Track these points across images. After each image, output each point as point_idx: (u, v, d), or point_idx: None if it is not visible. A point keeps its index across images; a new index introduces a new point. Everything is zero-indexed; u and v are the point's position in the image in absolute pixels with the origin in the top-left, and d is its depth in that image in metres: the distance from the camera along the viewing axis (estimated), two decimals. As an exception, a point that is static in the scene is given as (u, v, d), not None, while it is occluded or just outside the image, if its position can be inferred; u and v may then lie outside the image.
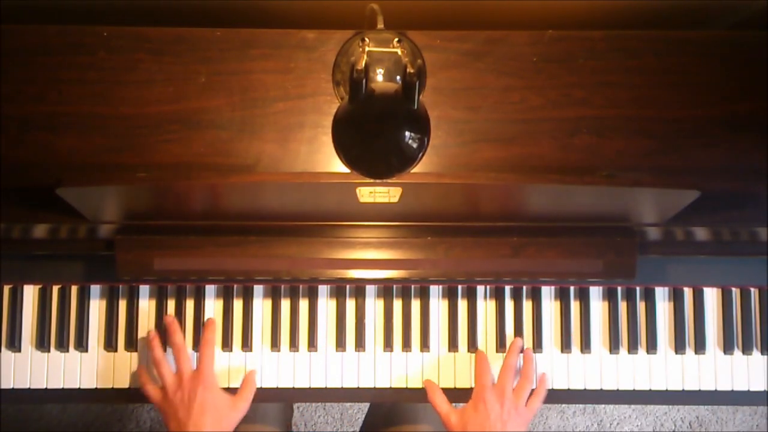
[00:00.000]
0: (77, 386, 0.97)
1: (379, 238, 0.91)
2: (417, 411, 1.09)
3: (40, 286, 0.98)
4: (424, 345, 0.98)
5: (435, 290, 0.99)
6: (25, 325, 0.98)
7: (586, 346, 0.99)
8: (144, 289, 0.99)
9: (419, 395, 0.97)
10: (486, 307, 0.99)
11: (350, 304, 0.99)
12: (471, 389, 0.95)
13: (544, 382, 0.96)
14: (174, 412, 0.89)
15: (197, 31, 0.84)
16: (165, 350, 0.95)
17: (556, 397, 0.99)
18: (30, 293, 0.98)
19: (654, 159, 0.84)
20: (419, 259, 0.91)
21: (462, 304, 0.99)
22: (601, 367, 0.99)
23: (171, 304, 0.98)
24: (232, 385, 0.97)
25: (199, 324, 0.97)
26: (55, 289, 0.98)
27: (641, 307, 1.00)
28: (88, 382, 0.97)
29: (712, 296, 1.00)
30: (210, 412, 0.88)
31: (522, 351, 0.97)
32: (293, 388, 0.97)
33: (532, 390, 0.95)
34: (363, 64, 0.66)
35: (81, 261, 0.98)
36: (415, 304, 0.99)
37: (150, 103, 0.84)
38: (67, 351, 0.98)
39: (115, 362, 0.98)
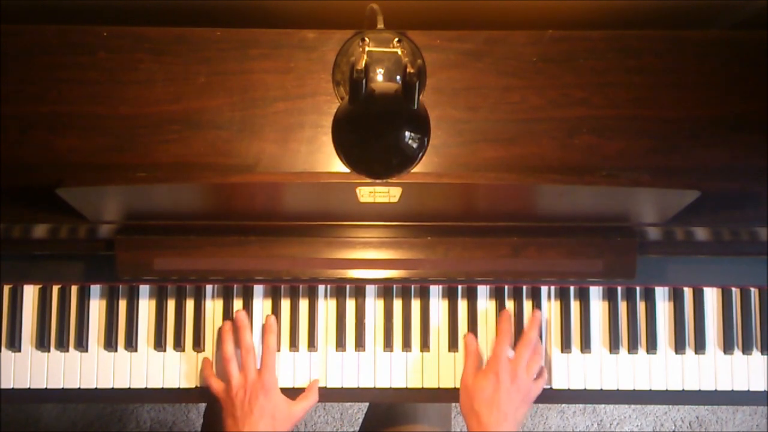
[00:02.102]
0: (77, 386, 0.97)
1: (379, 238, 0.91)
2: (416, 411, 1.09)
3: (40, 286, 0.98)
4: (424, 345, 0.98)
5: (435, 290, 0.99)
6: (25, 325, 0.98)
7: (586, 346, 0.99)
8: (144, 289, 0.99)
9: (419, 395, 0.97)
10: (486, 307, 0.99)
11: (350, 304, 0.99)
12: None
13: (544, 374, 0.97)
14: (233, 410, 0.91)
15: (197, 31, 0.84)
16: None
17: (556, 397, 0.99)
18: (30, 293, 0.98)
19: (654, 159, 0.84)
20: (419, 259, 0.91)
21: (462, 304, 0.99)
22: (601, 367, 0.99)
23: (171, 304, 0.98)
24: (232, 385, 0.97)
25: (200, 324, 0.97)
26: (55, 289, 0.98)
27: (641, 307, 1.00)
28: (88, 382, 0.97)
29: (712, 296, 1.00)
30: (267, 418, 0.91)
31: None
32: (293, 388, 0.97)
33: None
34: (363, 64, 0.66)
35: (81, 261, 0.98)
36: (415, 304, 0.99)
37: (150, 103, 0.84)
38: (67, 351, 0.98)
39: (115, 362, 0.98)
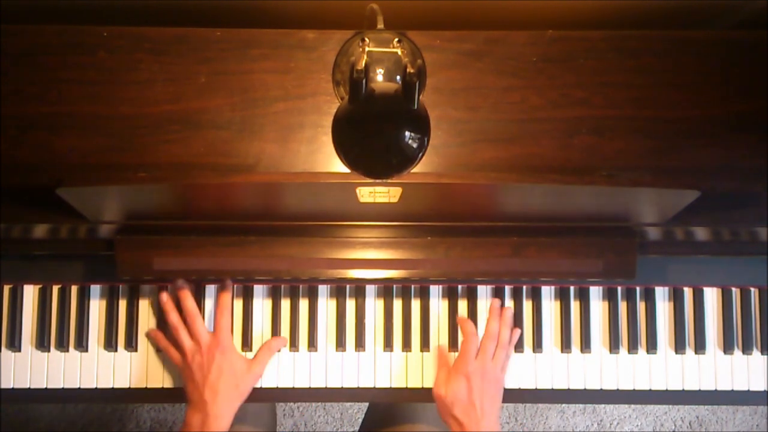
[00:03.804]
0: (77, 386, 0.97)
1: (379, 238, 0.91)
2: (416, 410, 1.09)
3: (40, 286, 0.98)
4: (424, 345, 0.98)
5: (435, 290, 0.99)
6: (25, 325, 0.98)
7: (586, 346, 0.99)
8: (144, 289, 0.99)
9: (419, 395, 0.97)
10: (486, 307, 0.99)
11: (350, 304, 0.99)
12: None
13: (513, 339, 0.97)
14: (191, 375, 0.91)
15: (197, 31, 0.84)
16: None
17: (556, 397, 0.99)
18: (30, 293, 0.98)
19: (654, 159, 0.84)
20: (419, 259, 0.91)
21: (462, 304, 0.99)
22: (601, 367, 0.99)
23: (171, 304, 0.98)
24: (232, 385, 0.97)
25: (199, 324, 0.97)
26: (55, 289, 0.98)
27: (641, 307, 1.00)
28: (88, 382, 0.97)
29: (712, 296, 1.00)
30: (226, 375, 0.90)
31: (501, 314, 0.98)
32: (293, 388, 0.97)
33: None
34: (363, 64, 0.66)
35: (81, 261, 0.98)
36: (415, 304, 0.99)
37: (150, 103, 0.84)
38: (67, 351, 0.98)
39: (115, 362, 0.98)
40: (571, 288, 1.00)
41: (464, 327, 0.96)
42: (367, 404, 1.29)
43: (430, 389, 0.96)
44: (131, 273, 0.90)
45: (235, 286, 0.99)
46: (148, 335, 0.98)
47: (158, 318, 0.98)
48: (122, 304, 0.98)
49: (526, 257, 0.90)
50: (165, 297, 0.96)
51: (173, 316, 0.94)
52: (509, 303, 1.00)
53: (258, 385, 0.96)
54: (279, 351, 0.98)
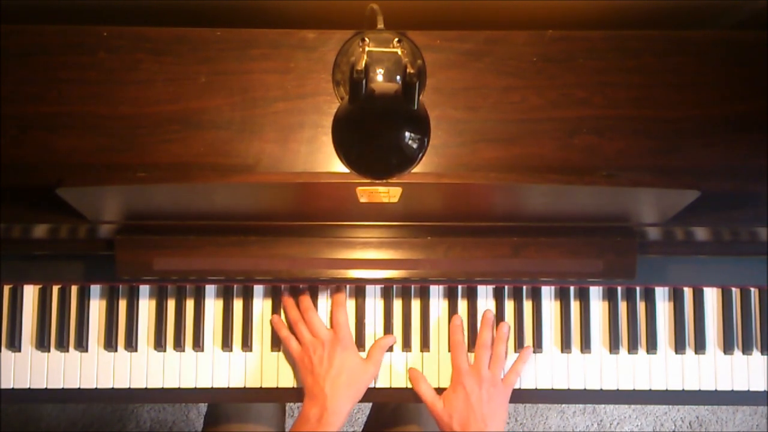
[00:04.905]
0: (77, 386, 0.97)
1: (379, 238, 0.91)
2: (421, 411, 1.09)
3: (40, 286, 0.98)
4: (424, 345, 0.98)
5: (435, 290, 0.99)
6: (25, 325, 0.98)
7: (586, 346, 0.99)
8: (144, 289, 0.99)
9: (419, 397, 0.97)
10: (486, 307, 0.99)
11: (350, 304, 0.99)
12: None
13: (524, 356, 0.97)
14: (312, 368, 0.91)
15: (197, 31, 0.84)
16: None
17: (556, 397, 0.99)
18: (30, 293, 0.98)
19: (654, 159, 0.84)
20: (419, 259, 0.91)
21: (462, 304, 0.99)
22: (601, 367, 0.99)
23: (171, 304, 0.98)
24: (232, 385, 0.97)
25: (200, 324, 0.97)
26: (55, 289, 0.98)
27: (641, 307, 1.00)
28: (88, 382, 0.97)
29: (712, 296, 1.00)
30: (346, 372, 0.91)
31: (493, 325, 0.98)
32: (293, 388, 0.97)
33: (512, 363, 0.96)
34: (363, 64, 0.66)
35: (81, 261, 0.98)
36: (415, 304, 0.99)
37: (150, 103, 0.84)
38: (67, 351, 0.98)
39: (115, 362, 0.98)
40: (571, 288, 1.00)
41: (451, 337, 0.96)
42: (367, 404, 1.29)
43: (430, 389, 0.96)
44: (131, 273, 0.90)
45: (235, 286, 0.98)
46: (271, 322, 0.98)
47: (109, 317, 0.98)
48: (122, 304, 0.98)
49: (526, 257, 0.90)
50: (286, 296, 0.97)
51: (294, 312, 0.96)
52: (509, 303, 1.00)
53: (259, 385, 0.97)
54: (392, 350, 0.98)
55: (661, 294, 1.00)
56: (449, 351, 0.97)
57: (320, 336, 0.93)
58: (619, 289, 1.00)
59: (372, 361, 0.95)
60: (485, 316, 0.97)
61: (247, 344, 0.98)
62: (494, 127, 0.84)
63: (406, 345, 0.98)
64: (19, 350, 0.98)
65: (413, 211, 0.86)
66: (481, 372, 0.93)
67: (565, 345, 0.98)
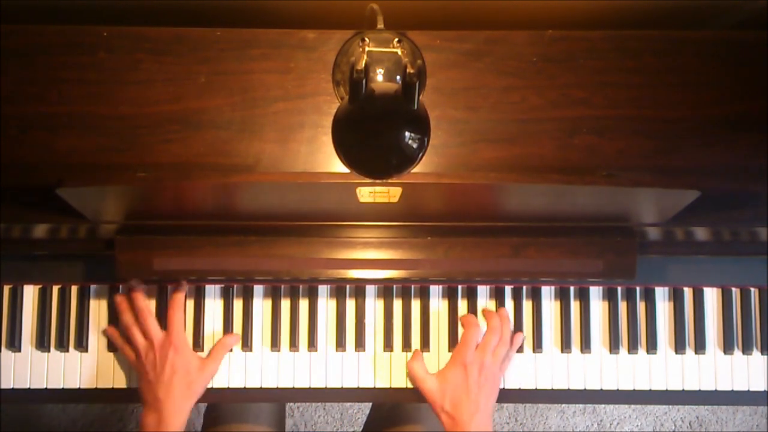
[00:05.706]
0: (77, 386, 0.97)
1: (379, 238, 0.91)
2: (420, 411, 1.09)
3: (40, 286, 0.98)
4: (424, 345, 0.98)
5: (435, 290, 0.99)
6: (25, 325, 0.98)
7: (586, 346, 0.99)
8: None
9: (419, 395, 0.97)
10: (486, 307, 0.99)
11: (350, 304, 0.99)
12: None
13: (516, 341, 0.97)
14: (145, 374, 0.90)
15: (197, 31, 0.84)
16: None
17: (556, 397, 0.99)
18: (30, 293, 0.98)
19: (654, 159, 0.84)
20: (419, 259, 0.91)
21: (462, 304, 0.99)
22: (601, 367, 0.99)
23: (171, 304, 0.98)
24: (232, 385, 0.97)
25: (200, 324, 0.97)
26: (55, 289, 0.98)
27: (641, 307, 1.00)
28: (88, 382, 0.97)
29: (712, 296, 1.00)
30: (179, 374, 0.90)
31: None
32: (293, 388, 0.97)
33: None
34: (363, 64, 0.66)
35: (81, 261, 0.98)
36: (415, 304, 0.99)
37: (150, 103, 0.84)
38: (67, 351, 0.98)
39: (115, 362, 0.98)
40: (571, 288, 1.00)
41: (466, 319, 0.96)
42: (367, 404, 1.29)
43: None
44: (131, 273, 0.90)
45: (235, 286, 0.98)
46: (104, 333, 0.97)
47: (110, 317, 0.98)
48: (122, 304, 0.98)
49: (526, 257, 0.90)
50: (119, 298, 0.95)
51: (127, 316, 0.93)
52: (509, 303, 1.00)
53: (258, 385, 0.97)
54: (231, 350, 0.97)
55: (661, 294, 1.00)
56: (449, 351, 0.97)
57: (153, 338, 0.91)
58: (619, 289, 1.00)
59: (212, 359, 0.94)
60: (501, 313, 0.97)
61: (247, 344, 0.98)
62: (494, 127, 0.84)
63: (406, 345, 0.98)
64: (19, 350, 0.98)
65: (413, 211, 0.86)
66: (485, 355, 0.92)
67: (565, 345, 0.98)
